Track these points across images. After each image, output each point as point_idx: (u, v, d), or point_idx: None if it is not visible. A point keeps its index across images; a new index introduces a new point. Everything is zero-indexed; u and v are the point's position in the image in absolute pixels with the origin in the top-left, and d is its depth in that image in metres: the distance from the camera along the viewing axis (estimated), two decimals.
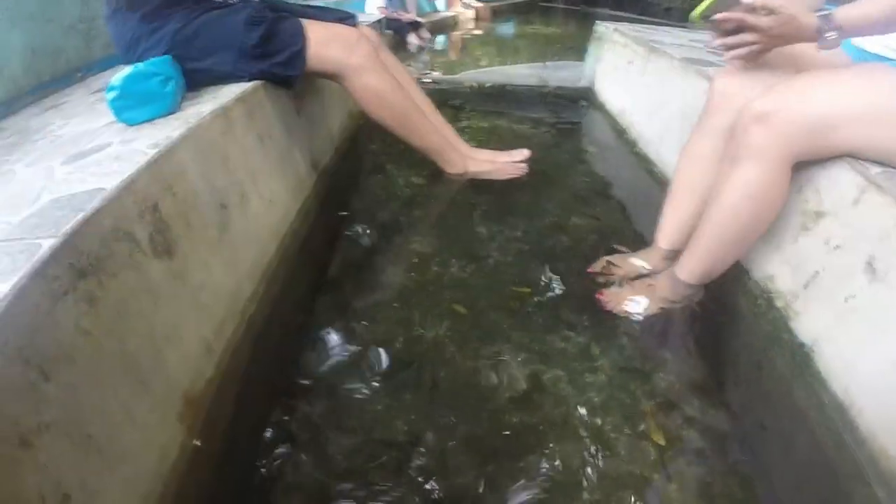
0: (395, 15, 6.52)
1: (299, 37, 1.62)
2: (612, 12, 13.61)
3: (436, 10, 8.96)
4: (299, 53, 1.62)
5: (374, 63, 1.72)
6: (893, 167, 1.13)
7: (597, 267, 1.60)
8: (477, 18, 9.35)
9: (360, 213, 1.96)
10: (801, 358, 1.19)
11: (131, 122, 1.26)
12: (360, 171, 2.33)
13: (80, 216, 0.81)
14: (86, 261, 0.79)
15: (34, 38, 1.94)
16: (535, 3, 14.37)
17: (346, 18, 1.85)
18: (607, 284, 1.53)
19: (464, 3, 9.42)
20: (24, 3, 1.89)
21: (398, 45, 6.08)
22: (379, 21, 3.40)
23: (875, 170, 1.11)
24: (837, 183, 1.17)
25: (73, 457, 0.73)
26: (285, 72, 1.64)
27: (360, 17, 2.36)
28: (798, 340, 1.21)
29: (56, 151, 1.16)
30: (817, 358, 1.15)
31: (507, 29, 9.26)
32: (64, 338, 0.74)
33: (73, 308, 0.76)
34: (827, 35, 1.15)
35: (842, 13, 1.15)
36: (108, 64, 2.27)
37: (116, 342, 0.83)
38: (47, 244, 0.75)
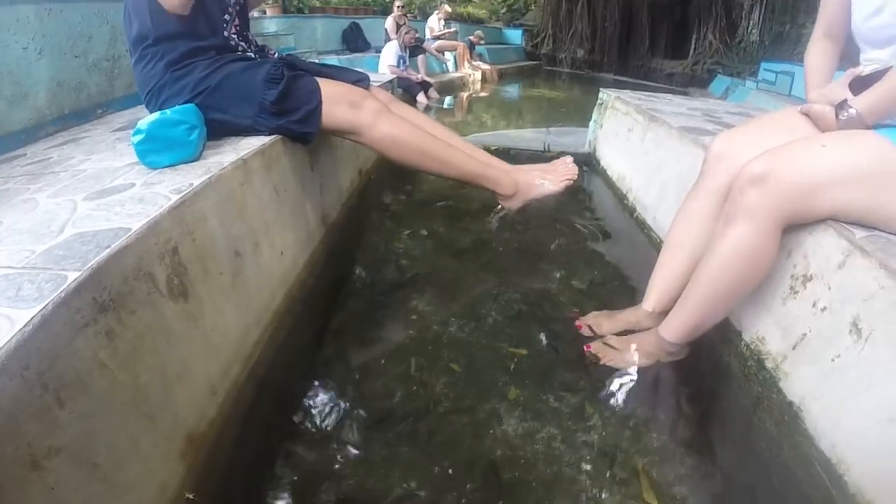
0: (405, 74, 6.77)
1: (315, 95, 1.68)
2: (616, 77, 13.99)
3: (445, 71, 9.25)
4: (314, 112, 1.68)
5: (382, 117, 1.75)
6: (878, 228, 1.18)
7: (584, 321, 1.64)
8: (484, 80, 9.69)
9: (364, 268, 2.01)
10: (790, 417, 1.21)
11: (154, 166, 1.33)
12: (367, 228, 2.39)
13: (105, 253, 0.86)
14: (107, 296, 0.84)
15: (61, 71, 2.03)
16: (540, 67, 14.81)
17: (360, 80, 1.92)
18: (595, 338, 1.57)
19: (472, 65, 9.74)
20: (55, 37, 1.99)
21: (408, 104, 6.27)
22: (391, 81, 3.52)
23: (859, 234, 1.16)
24: (824, 247, 1.22)
25: (79, 482, 0.76)
26: (302, 129, 1.70)
27: (373, 77, 2.46)
28: (787, 400, 1.24)
29: (79, 186, 1.23)
30: (806, 416, 1.18)
31: (513, 91, 9.53)
32: (81, 367, 0.78)
33: (93, 340, 0.80)
34: (843, 116, 1.28)
35: (860, 102, 1.25)
36: (127, 103, 2.36)
37: (129, 376, 0.87)
38: (73, 277, 0.80)
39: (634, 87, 11.07)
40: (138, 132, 1.33)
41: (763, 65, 7.42)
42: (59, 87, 2.02)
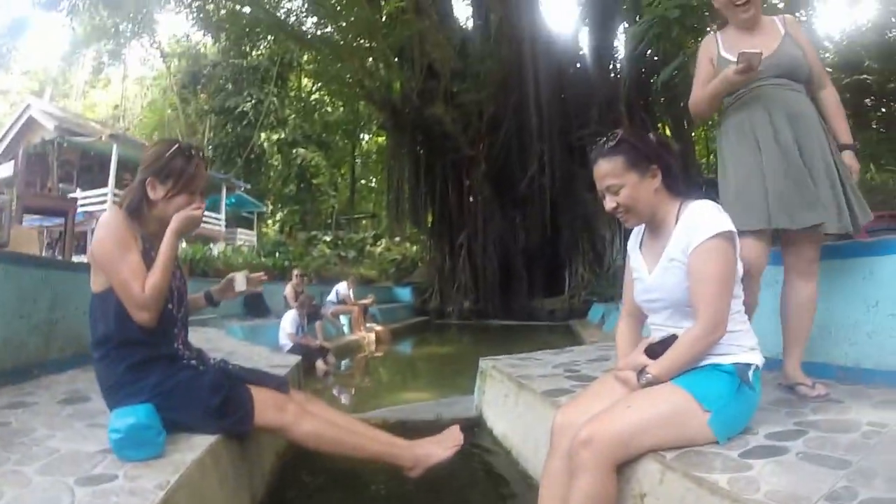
0: (303, 341, 7.13)
1: (248, 401, 2.08)
2: (502, 322, 14.72)
3: (342, 334, 9.78)
4: (248, 415, 2.07)
5: (302, 417, 2.14)
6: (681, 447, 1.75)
7: None
8: (378, 341, 10.14)
9: None
10: None
11: (127, 459, 1.70)
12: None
13: None
14: None
15: (7, 330, 2.24)
16: (430, 322, 15.31)
17: (281, 385, 2.32)
18: None
19: (366, 328, 10.31)
20: (6, 296, 2.23)
21: (308, 371, 6.61)
22: (297, 365, 3.94)
23: (670, 455, 1.72)
24: (648, 471, 1.75)
25: None
26: (238, 429, 2.10)
27: (279, 360, 2.82)
28: None
29: (63, 468, 1.60)
30: None
31: (406, 350, 10.10)
32: None
33: None
34: (642, 381, 1.87)
35: (654, 368, 1.86)
36: (61, 366, 2.58)
37: None
38: None
39: (519, 329, 11.96)
40: (116, 431, 1.72)
41: None
42: (3, 345, 2.22)
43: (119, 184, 17.42)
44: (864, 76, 12.14)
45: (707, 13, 7.65)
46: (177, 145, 2.16)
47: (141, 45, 24.11)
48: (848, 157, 2.53)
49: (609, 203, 1.99)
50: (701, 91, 2.64)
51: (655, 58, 12.95)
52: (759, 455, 1.73)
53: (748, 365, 1.89)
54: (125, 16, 18.42)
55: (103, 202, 17.42)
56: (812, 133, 2.45)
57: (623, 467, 1.78)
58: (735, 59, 2.39)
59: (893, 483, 1.46)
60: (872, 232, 2.75)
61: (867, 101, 12.33)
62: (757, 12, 2.56)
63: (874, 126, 12.40)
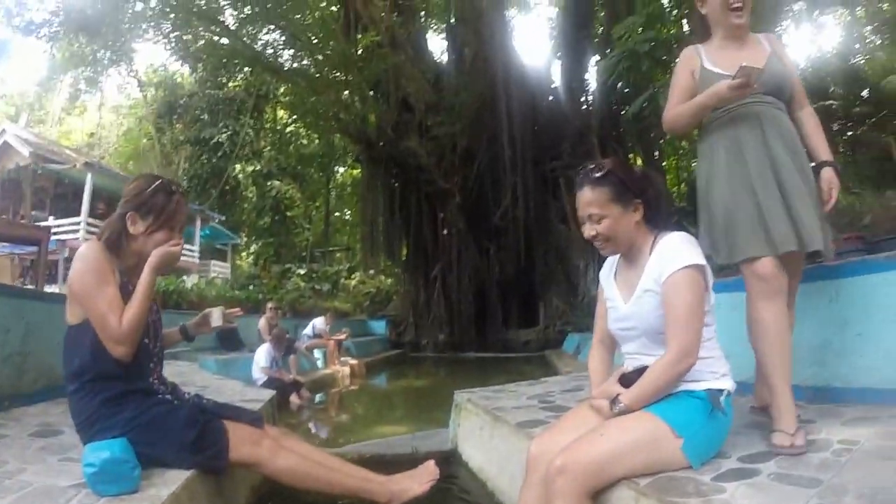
0: (277, 375, 7.04)
1: (223, 436, 2.08)
2: (477, 354, 14.69)
3: (316, 368, 9.67)
4: (224, 450, 2.06)
5: (277, 452, 2.15)
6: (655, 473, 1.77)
7: None
8: (353, 375, 10.03)
9: None
10: None
11: (102, 494, 1.68)
12: None
13: None
14: None
15: None
16: (405, 355, 15.23)
17: (256, 420, 2.31)
18: None
19: (340, 361, 10.19)
20: None
21: (282, 405, 6.51)
22: (271, 400, 3.90)
23: (643, 482, 1.74)
24: (622, 498, 1.75)
25: None
26: (214, 463, 2.08)
27: (253, 394, 2.81)
28: None
29: (37, 503, 1.57)
30: None
31: (381, 383, 10.00)
32: None
33: None
34: (615, 409, 1.89)
35: (626, 397, 1.88)
36: (34, 399, 2.53)
37: None
38: None
39: (494, 361, 11.95)
40: (91, 465, 1.70)
41: None
42: None
43: (93, 213, 17.22)
44: (830, 102, 12.51)
45: (676, 45, 7.89)
46: (159, 181, 2.18)
47: (118, 73, 24.12)
48: (829, 174, 2.40)
49: (588, 230, 2.03)
50: (678, 105, 2.51)
51: (626, 90, 13.22)
52: (732, 478, 1.76)
53: (720, 391, 1.93)
54: (104, 44, 18.35)
55: (76, 231, 17.20)
56: (798, 154, 2.37)
57: (598, 495, 1.80)
58: (721, 72, 2.34)
59: (863, 499, 1.50)
60: (840, 253, 2.79)
61: (834, 125, 12.68)
62: (748, 20, 2.46)
63: (841, 150, 12.75)
